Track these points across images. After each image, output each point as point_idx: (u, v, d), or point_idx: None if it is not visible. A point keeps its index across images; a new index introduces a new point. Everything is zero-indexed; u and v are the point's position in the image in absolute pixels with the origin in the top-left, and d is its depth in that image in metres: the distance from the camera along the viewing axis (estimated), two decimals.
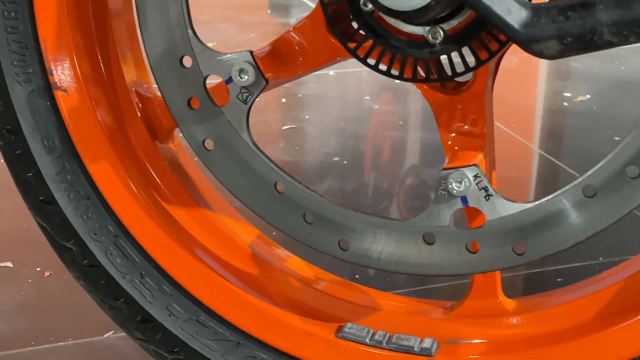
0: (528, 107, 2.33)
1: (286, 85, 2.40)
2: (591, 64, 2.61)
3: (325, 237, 0.93)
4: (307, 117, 2.19)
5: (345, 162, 1.93)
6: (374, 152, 2.03)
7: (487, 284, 1.00)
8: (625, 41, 0.77)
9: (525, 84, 2.51)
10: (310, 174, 1.89)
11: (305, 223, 0.94)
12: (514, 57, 2.63)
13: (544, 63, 2.65)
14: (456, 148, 0.96)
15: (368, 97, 2.32)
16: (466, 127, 0.95)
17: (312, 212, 0.93)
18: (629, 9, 0.75)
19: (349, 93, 2.39)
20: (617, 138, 2.02)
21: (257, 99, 0.95)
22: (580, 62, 2.62)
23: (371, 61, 0.90)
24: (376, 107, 2.28)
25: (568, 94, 2.37)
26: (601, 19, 0.76)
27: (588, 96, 2.35)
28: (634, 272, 0.97)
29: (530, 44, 0.78)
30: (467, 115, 0.95)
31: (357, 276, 1.45)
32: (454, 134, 0.95)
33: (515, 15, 0.78)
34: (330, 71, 2.49)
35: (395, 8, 0.79)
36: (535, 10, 0.78)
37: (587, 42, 0.77)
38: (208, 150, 0.94)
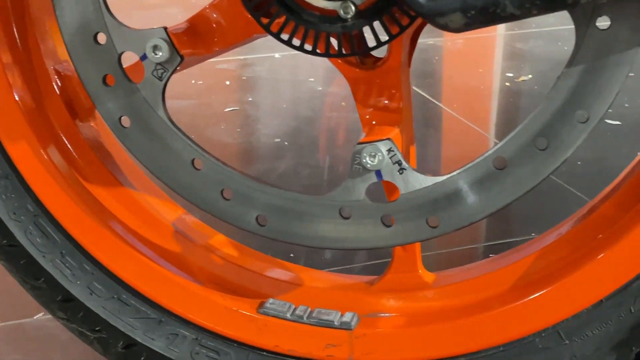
0: (472, 87, 2.35)
1: (230, 67, 2.40)
2: (535, 45, 2.63)
3: (243, 213, 0.94)
4: (250, 99, 2.19)
5: (286, 142, 1.93)
6: (315, 133, 2.03)
7: (407, 258, 1.01)
8: (528, 13, 0.78)
9: (471, 66, 2.53)
10: (251, 155, 1.89)
11: (222, 199, 0.94)
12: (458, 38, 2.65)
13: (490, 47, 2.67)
14: (373, 122, 0.96)
15: (312, 79, 2.32)
16: (382, 102, 0.96)
17: (230, 188, 0.94)
18: None
19: (294, 75, 2.39)
20: None
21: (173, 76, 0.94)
22: (524, 43, 2.64)
23: (285, 36, 0.91)
24: (320, 88, 2.28)
25: (510, 74, 2.39)
26: None
27: (530, 76, 2.37)
28: (550, 242, 0.99)
29: (435, 18, 0.79)
30: (383, 90, 0.95)
31: (291, 255, 1.45)
32: (370, 109, 0.96)
33: None
34: (276, 54, 2.49)
35: None
36: None
37: (490, 15, 0.78)
38: (124, 127, 0.94)
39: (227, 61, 2.41)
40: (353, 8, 0.87)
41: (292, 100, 2.20)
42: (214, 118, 2.06)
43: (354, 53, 0.89)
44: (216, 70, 2.35)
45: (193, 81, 2.23)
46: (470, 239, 1.57)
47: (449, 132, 2.08)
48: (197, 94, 2.16)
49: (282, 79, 2.35)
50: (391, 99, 0.95)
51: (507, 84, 2.33)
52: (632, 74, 2.66)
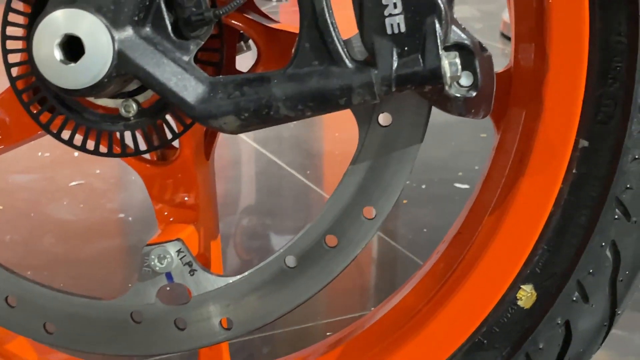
0: (327, 152, 2.35)
1: None
2: None
3: (29, 321, 0.89)
4: (97, 171, 2.13)
5: (130, 218, 1.88)
6: None
7: (212, 355, 0.97)
8: (302, 115, 0.77)
9: (330, 129, 2.54)
10: (91, 231, 1.83)
11: (7, 306, 0.89)
12: None
13: None
14: (171, 219, 0.94)
15: None
16: (178, 198, 0.93)
17: (14, 295, 0.89)
18: (302, 83, 0.75)
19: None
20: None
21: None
22: None
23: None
24: None
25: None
26: (276, 93, 0.76)
27: None
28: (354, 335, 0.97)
29: (208, 120, 0.77)
30: (178, 187, 0.93)
31: None
32: (166, 206, 0.93)
33: (191, 92, 0.76)
34: None
35: (67, 87, 0.76)
36: (213, 85, 0.77)
37: (264, 117, 0.76)
38: None
39: None
40: (135, 106, 0.84)
41: None
42: (58, 193, 1.99)
43: (137, 153, 0.86)
44: None
45: (40, 153, 2.16)
46: (310, 315, 1.54)
47: (292, 198, 2.06)
48: (42, 167, 2.09)
49: None
50: (187, 195, 0.92)
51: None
52: (484, 135, 2.68)
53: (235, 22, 0.88)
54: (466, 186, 2.10)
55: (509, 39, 3.08)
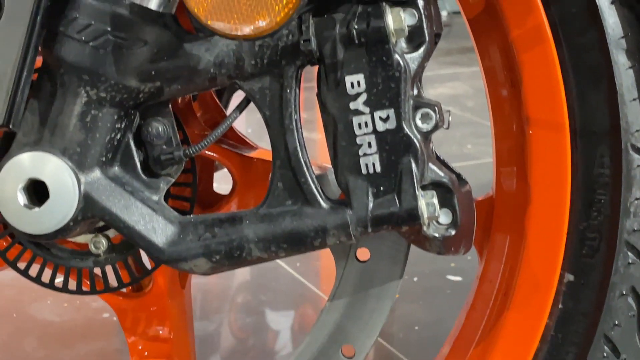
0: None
1: None
2: None
3: None
4: None
5: (115, 318, 1.84)
6: None
7: None
8: (275, 256, 0.74)
9: None
10: (74, 334, 1.78)
11: None
12: None
13: None
14: (146, 354, 0.90)
15: None
16: (151, 331, 0.90)
17: None
18: (275, 224, 0.72)
19: None
20: None
21: None
22: None
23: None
24: None
25: None
26: (248, 235, 0.73)
27: None
28: None
29: (178, 264, 0.74)
30: (151, 319, 0.89)
31: None
32: (139, 339, 0.90)
33: (160, 234, 0.74)
34: None
35: (30, 232, 0.73)
36: (183, 226, 0.74)
37: (236, 259, 0.74)
38: None
39: None
40: (105, 242, 0.81)
41: None
42: (42, 291, 1.94)
43: (106, 290, 0.83)
44: None
45: None
46: None
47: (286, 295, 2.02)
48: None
49: None
50: (161, 327, 0.89)
51: None
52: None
53: (209, 153, 0.86)
54: (459, 278, 2.06)
55: None
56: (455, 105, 3.66)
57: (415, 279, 2.07)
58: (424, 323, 1.81)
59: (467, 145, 2.89)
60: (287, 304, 2.01)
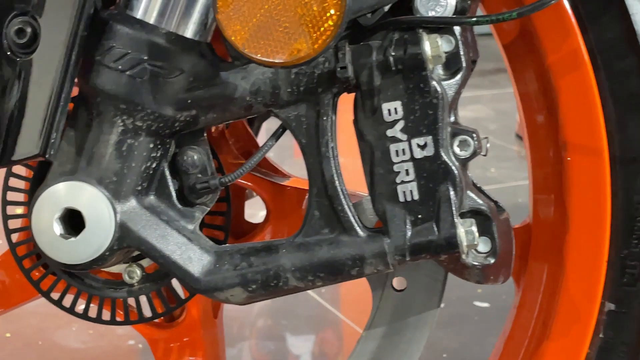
0: None
1: None
2: None
3: None
4: None
5: (140, 345, 1.83)
6: None
7: None
8: (312, 285, 0.73)
9: None
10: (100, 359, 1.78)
11: None
12: None
13: None
14: None
15: None
16: None
17: None
18: (312, 253, 0.72)
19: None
20: None
21: None
22: None
23: None
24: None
25: None
26: (284, 264, 0.72)
27: None
28: None
29: (214, 293, 0.73)
30: (184, 349, 0.89)
31: None
32: None
33: (195, 264, 0.73)
34: None
35: (66, 262, 0.73)
36: (219, 255, 0.73)
37: (273, 289, 0.73)
38: None
39: None
40: (139, 272, 0.81)
41: None
42: (66, 317, 1.94)
43: (141, 320, 0.82)
44: None
45: None
46: None
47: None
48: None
49: None
50: (193, 358, 0.88)
51: None
52: None
53: (243, 182, 0.85)
54: (486, 304, 2.04)
55: None
56: (478, 129, 3.64)
57: (442, 305, 2.06)
58: (451, 350, 1.79)
59: (491, 169, 2.87)
60: (309, 329, 2.00)
